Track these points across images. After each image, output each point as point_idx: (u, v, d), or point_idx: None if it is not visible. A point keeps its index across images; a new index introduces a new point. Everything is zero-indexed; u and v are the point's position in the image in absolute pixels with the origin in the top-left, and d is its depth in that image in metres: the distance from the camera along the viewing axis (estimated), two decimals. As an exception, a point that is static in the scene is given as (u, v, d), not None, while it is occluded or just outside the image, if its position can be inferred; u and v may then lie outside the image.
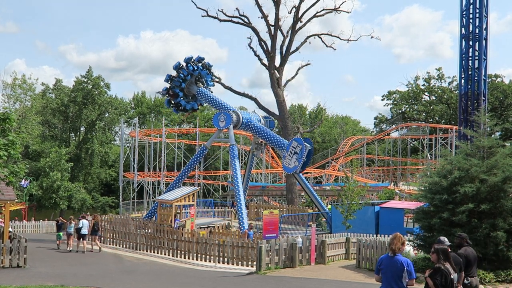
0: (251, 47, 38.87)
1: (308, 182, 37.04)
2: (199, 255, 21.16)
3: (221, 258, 20.34)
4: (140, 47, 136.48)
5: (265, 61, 38.40)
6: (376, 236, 21.59)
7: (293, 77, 40.39)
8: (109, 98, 68.59)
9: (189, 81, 31.37)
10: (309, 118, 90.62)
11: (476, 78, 29.16)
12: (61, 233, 25.24)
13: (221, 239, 20.90)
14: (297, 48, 39.60)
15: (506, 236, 13.73)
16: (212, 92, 32.26)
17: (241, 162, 49.41)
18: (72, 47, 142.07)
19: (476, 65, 29.26)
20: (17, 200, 32.85)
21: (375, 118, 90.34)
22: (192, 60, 31.26)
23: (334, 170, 62.33)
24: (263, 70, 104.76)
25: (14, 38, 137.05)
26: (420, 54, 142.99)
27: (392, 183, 59.63)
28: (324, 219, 29.32)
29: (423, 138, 65.16)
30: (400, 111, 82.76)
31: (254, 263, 18.03)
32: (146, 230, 24.54)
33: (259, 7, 38.39)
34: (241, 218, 25.77)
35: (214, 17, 39.05)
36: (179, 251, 22.12)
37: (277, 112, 37.20)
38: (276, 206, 37.80)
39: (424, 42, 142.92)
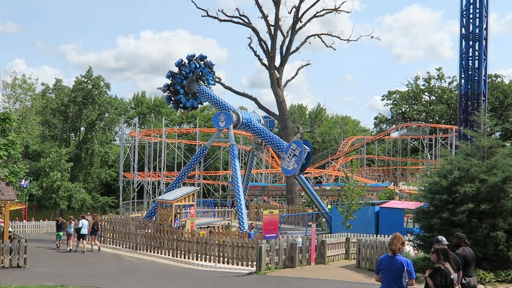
0: (251, 47, 38.90)
1: (308, 182, 37.03)
2: (199, 255, 21.16)
3: (221, 258, 20.34)
4: (140, 47, 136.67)
5: (265, 61, 38.41)
6: (376, 236, 21.59)
7: (293, 77, 40.42)
8: (109, 98, 68.56)
9: (190, 79, 31.36)
10: (309, 118, 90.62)
11: (476, 78, 29.16)
12: (61, 233, 25.24)
13: (221, 239, 20.90)
14: (297, 48, 39.62)
15: (506, 236, 13.74)
16: (212, 91, 32.27)
17: (241, 162, 49.42)
18: (72, 47, 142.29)
19: (476, 65, 29.26)
20: (17, 200, 32.85)
21: (375, 118, 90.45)
22: (195, 57, 31.25)
23: (334, 170, 62.33)
24: (263, 70, 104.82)
25: (14, 38, 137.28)
26: (420, 54, 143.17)
27: (392, 183, 59.63)
28: (324, 219, 29.32)
29: (423, 138, 65.17)
30: (400, 111, 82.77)
31: (254, 263, 18.04)
32: (146, 230, 24.54)
33: (259, 7, 38.42)
34: (241, 218, 25.77)
35: (214, 17, 39.08)
36: (179, 251, 22.12)
37: (277, 112, 37.20)
38: (276, 206, 37.79)
39: (424, 42, 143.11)
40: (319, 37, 40.70)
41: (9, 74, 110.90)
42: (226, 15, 39.05)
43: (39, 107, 57.93)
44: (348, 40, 40.67)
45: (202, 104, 33.49)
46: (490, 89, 67.69)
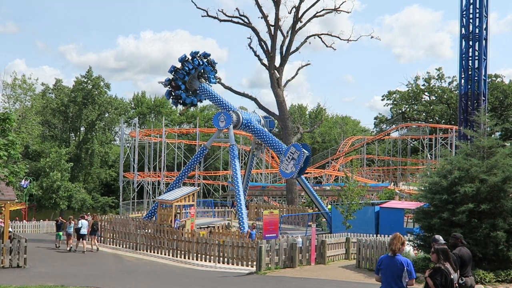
0: (251, 47, 38.89)
1: (308, 182, 37.03)
2: (199, 255, 21.16)
3: (221, 258, 20.34)
4: (140, 47, 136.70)
5: (265, 61, 38.40)
6: (376, 236, 21.58)
7: (293, 77, 40.41)
8: (109, 98, 68.57)
9: (192, 75, 31.36)
10: (309, 118, 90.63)
11: (476, 78, 29.16)
12: (60, 233, 25.24)
13: (221, 239, 20.90)
14: (297, 48, 39.61)
15: (506, 236, 13.74)
16: (213, 89, 32.29)
17: (241, 162, 49.42)
18: (72, 47, 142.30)
19: (476, 65, 29.26)
20: (17, 200, 32.83)
21: (375, 118, 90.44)
22: (198, 54, 31.27)
23: (334, 170, 62.32)
24: (263, 70, 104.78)
25: (14, 38, 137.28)
26: (420, 54, 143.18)
27: (392, 183, 59.63)
28: (324, 219, 29.33)
29: (423, 138, 65.17)
30: (400, 111, 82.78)
31: (254, 263, 18.04)
32: (146, 230, 24.54)
33: (259, 7, 38.41)
34: (241, 218, 25.76)
35: (214, 17, 39.06)
36: (179, 251, 22.12)
37: (277, 112, 37.20)
38: (276, 206, 37.79)
39: (424, 42, 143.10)
40: (319, 37, 40.70)
41: (9, 74, 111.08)
42: (226, 15, 39.08)
43: (39, 107, 57.94)
44: (348, 40, 40.69)
45: (201, 101, 33.47)
46: (490, 89, 67.69)
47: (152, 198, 49.18)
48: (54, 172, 51.56)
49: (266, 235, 20.22)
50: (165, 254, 22.59)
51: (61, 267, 18.77)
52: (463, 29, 29.55)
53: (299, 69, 40.99)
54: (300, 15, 38.49)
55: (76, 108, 66.58)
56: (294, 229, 29.17)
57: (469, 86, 29.24)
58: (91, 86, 65.71)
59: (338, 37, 40.72)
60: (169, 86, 31.69)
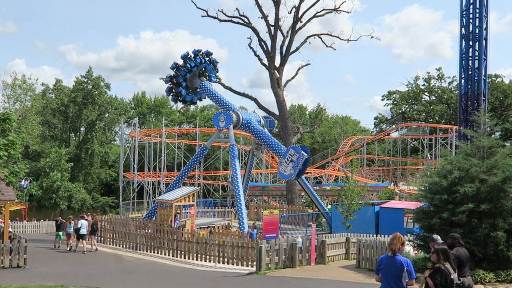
0: (251, 47, 38.89)
1: (308, 182, 37.03)
2: (199, 255, 21.16)
3: (221, 258, 20.34)
4: (140, 47, 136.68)
5: (265, 61, 38.40)
6: (376, 236, 21.58)
7: (293, 77, 40.41)
8: (109, 98, 68.56)
9: (193, 73, 31.38)
10: (309, 118, 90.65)
11: (476, 78, 29.17)
12: (60, 233, 25.24)
13: (221, 239, 20.90)
14: (297, 48, 39.61)
15: (506, 236, 13.74)
16: (214, 88, 32.29)
17: (241, 162, 49.42)
18: (72, 47, 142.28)
19: (476, 65, 29.27)
20: (17, 200, 32.83)
21: (375, 118, 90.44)
22: (201, 53, 31.31)
23: (334, 170, 62.32)
24: (263, 70, 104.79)
25: (14, 38, 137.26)
26: (420, 54, 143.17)
27: (392, 183, 59.62)
28: (324, 219, 29.32)
29: (423, 138, 65.17)
30: (400, 111, 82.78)
31: (254, 263, 18.04)
32: (146, 230, 24.54)
33: (259, 7, 38.41)
34: (241, 218, 25.76)
35: (214, 17, 39.06)
36: (179, 251, 22.12)
37: (277, 112, 37.20)
38: (276, 206, 37.79)
39: (424, 42, 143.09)
40: (319, 37, 40.71)
41: (9, 74, 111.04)
42: (226, 15, 39.08)
43: (39, 107, 57.92)
44: (348, 40, 40.70)
45: (201, 100, 33.47)
46: (490, 89, 67.69)
47: (152, 198, 49.18)
48: (54, 172, 51.55)
49: (266, 235, 20.22)
50: (165, 254, 22.59)
51: (61, 267, 18.77)
52: (463, 29, 29.56)
53: (299, 69, 41.04)
54: (300, 15, 38.50)
55: (76, 108, 66.58)
56: (294, 229, 29.17)
57: (469, 86, 29.24)
58: (91, 86, 65.71)
59: (338, 37, 40.76)
60: (170, 83, 31.71)
